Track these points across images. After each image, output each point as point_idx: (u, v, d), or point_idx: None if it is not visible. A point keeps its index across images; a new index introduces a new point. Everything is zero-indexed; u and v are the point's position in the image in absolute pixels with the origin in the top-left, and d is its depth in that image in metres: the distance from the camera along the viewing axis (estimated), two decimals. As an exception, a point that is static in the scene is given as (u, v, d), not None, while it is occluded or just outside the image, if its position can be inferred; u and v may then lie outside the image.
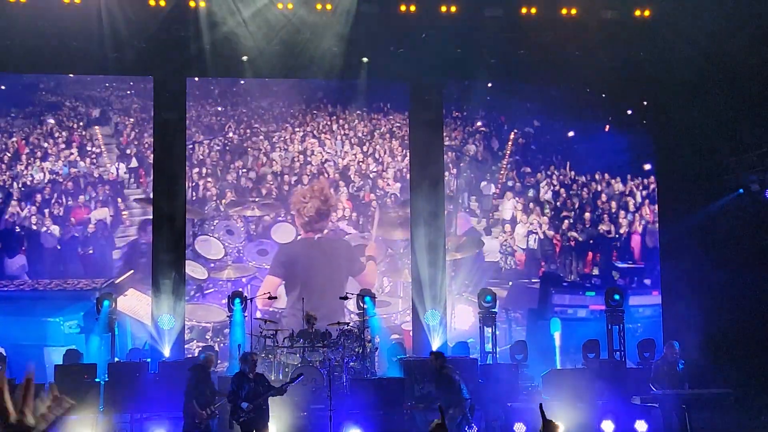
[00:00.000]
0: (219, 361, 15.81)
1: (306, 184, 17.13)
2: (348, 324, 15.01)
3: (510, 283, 17.27)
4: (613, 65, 16.77)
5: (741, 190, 16.01)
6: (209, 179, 16.97)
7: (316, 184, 17.09)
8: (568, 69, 16.70)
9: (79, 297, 16.22)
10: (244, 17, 15.34)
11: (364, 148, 17.34)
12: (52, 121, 16.66)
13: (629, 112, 17.63)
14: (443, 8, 15.47)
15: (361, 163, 17.29)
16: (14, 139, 16.58)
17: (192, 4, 15.24)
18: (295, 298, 16.18)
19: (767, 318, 15.33)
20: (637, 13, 15.90)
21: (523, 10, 15.66)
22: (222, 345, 16.31)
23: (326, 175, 17.19)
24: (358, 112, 17.37)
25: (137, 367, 14.32)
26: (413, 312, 16.80)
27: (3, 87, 16.48)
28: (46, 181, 16.52)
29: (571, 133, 17.60)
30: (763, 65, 15.37)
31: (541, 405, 7.92)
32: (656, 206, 17.52)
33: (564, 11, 15.68)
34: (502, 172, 17.48)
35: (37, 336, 16.03)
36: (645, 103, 17.11)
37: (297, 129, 17.26)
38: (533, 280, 17.31)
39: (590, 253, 17.45)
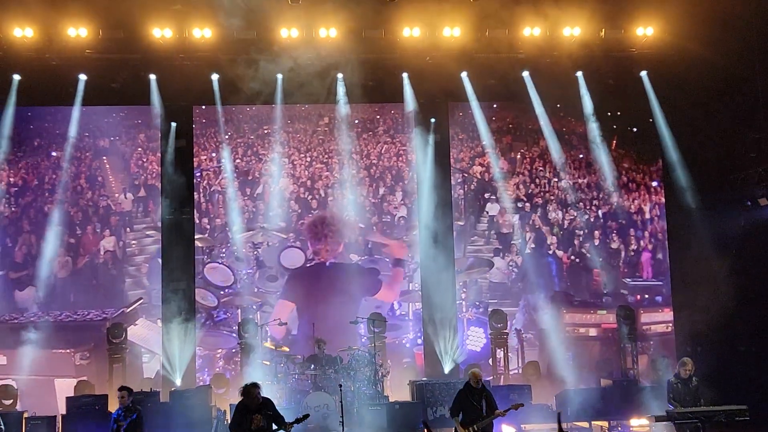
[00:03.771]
0: (227, 389, 15.76)
1: (314, 208, 17.16)
2: (359, 349, 14.95)
3: (521, 303, 17.20)
4: (618, 83, 16.83)
5: (749, 202, 15.96)
6: (218, 206, 17.02)
7: (324, 209, 17.12)
8: (572, 88, 16.78)
9: (90, 327, 16.22)
10: (249, 45, 15.45)
11: (372, 171, 17.38)
12: (59, 152, 16.73)
13: (635, 129, 17.63)
14: (447, 31, 15.55)
15: (369, 187, 17.31)
16: (23, 171, 16.67)
17: (197, 34, 15.34)
18: (306, 323, 16.15)
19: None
20: (640, 31, 15.95)
21: (526, 31, 15.73)
22: (233, 373, 16.26)
23: (334, 199, 17.20)
24: (365, 135, 17.43)
25: (148, 396, 14.27)
26: (424, 335, 16.75)
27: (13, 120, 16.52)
28: (55, 212, 16.56)
29: (578, 154, 17.59)
30: (767, 80, 15.42)
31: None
32: (665, 223, 17.48)
33: (567, 31, 15.73)
34: (509, 192, 17.48)
35: (48, 368, 16.00)
36: (651, 120, 17.10)
37: (304, 154, 17.32)
38: (544, 300, 17.23)
39: (600, 271, 17.37)
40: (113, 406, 13.74)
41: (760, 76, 15.44)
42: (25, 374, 15.80)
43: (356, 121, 17.34)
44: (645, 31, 15.94)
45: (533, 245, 17.40)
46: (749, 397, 13.16)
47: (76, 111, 16.45)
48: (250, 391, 10.49)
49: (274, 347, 15.92)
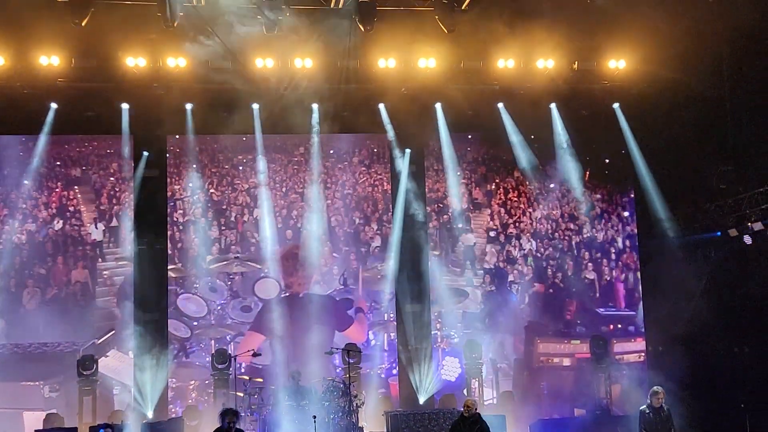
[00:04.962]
0: (200, 421, 15.57)
1: (289, 239, 17.07)
2: (334, 380, 14.86)
3: (495, 333, 17.20)
4: (591, 115, 17.02)
5: (719, 233, 16.15)
6: (191, 236, 16.86)
7: (299, 239, 17.03)
8: (546, 120, 16.93)
9: (60, 359, 15.91)
10: (224, 75, 15.39)
11: (347, 202, 17.36)
12: (30, 181, 16.49)
13: (608, 160, 17.82)
14: (422, 62, 15.63)
15: (344, 218, 17.28)
16: (-8, 200, 16.45)
17: (171, 63, 15.26)
18: (281, 354, 16.02)
19: (751, 363, 15.40)
20: (612, 64, 16.15)
21: (500, 63, 15.86)
22: (206, 405, 16.06)
23: (309, 230, 17.11)
24: (340, 166, 17.42)
25: (119, 429, 14.04)
26: (399, 365, 16.70)
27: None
28: (25, 242, 16.31)
29: (552, 185, 17.73)
30: (737, 112, 15.67)
31: None
32: (637, 253, 17.63)
33: (540, 63, 15.88)
34: (483, 223, 17.54)
35: (16, 400, 15.68)
36: (623, 151, 17.28)
37: (279, 184, 17.25)
38: (518, 330, 17.25)
39: (574, 301, 17.48)
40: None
41: (729, 110, 15.71)
42: (-9, 407, 15.54)
43: (331, 151, 17.34)
44: (617, 64, 16.12)
45: (507, 275, 17.45)
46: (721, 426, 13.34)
47: (42, 140, 16.18)
48: (225, 413, 10.53)
49: (248, 378, 15.75)
